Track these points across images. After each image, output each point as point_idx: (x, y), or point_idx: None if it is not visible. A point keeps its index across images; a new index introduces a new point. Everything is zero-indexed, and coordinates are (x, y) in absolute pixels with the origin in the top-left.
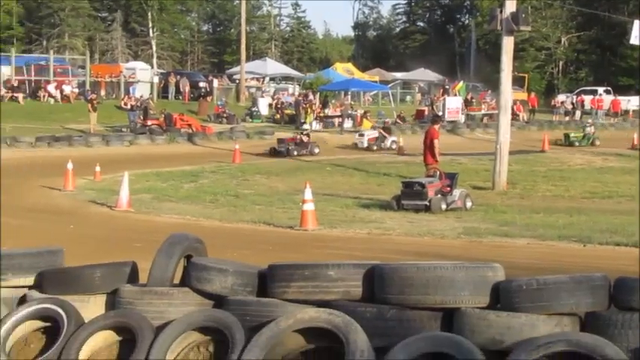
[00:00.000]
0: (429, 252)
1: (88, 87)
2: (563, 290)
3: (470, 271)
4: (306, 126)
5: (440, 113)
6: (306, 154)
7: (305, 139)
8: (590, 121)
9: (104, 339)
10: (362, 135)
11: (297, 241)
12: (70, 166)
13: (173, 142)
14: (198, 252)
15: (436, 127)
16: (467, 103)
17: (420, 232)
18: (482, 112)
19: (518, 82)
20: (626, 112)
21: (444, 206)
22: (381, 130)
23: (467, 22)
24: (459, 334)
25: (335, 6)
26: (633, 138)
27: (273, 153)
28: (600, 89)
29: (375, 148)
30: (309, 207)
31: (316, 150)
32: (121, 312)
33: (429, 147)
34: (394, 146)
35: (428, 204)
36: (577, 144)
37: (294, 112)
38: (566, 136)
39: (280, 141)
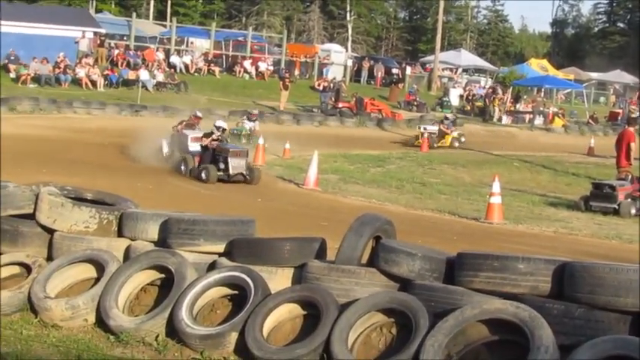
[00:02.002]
0: (616, 256)
1: (282, 65)
2: None
3: None
4: (220, 123)
5: (634, 116)
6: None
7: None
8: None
9: (289, 311)
10: None
11: (482, 233)
12: (261, 141)
13: (362, 126)
14: (387, 234)
15: (631, 129)
16: None
17: (608, 235)
18: None
19: None
20: None
21: (633, 211)
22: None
23: None
24: None
25: (534, 1)
26: None
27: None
28: None
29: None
30: (496, 200)
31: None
32: (307, 286)
33: (623, 149)
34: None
35: (617, 207)
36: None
37: (483, 105)
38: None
39: (205, 156)
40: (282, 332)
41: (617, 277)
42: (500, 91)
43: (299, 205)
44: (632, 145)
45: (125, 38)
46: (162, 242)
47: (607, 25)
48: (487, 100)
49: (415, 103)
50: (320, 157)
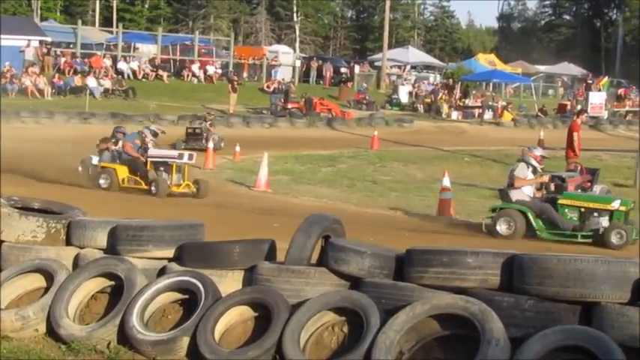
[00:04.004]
0: (566, 248)
1: (231, 68)
2: None
3: (612, 266)
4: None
5: (578, 107)
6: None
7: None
8: None
9: (240, 314)
10: None
11: (434, 228)
12: (210, 144)
13: (312, 126)
14: (336, 233)
15: (578, 120)
16: (617, 98)
17: None
18: (627, 108)
19: None
20: None
21: None
22: None
23: (614, 17)
24: (597, 329)
25: None
26: None
27: None
28: None
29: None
30: (447, 195)
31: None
32: (258, 288)
33: (570, 141)
34: None
35: None
36: None
37: (430, 101)
38: None
39: None
40: (234, 335)
41: (566, 268)
42: (440, 89)
43: (251, 207)
44: (576, 134)
45: (71, 46)
46: (111, 249)
47: (553, 17)
48: (434, 96)
49: (364, 101)
50: (270, 159)
